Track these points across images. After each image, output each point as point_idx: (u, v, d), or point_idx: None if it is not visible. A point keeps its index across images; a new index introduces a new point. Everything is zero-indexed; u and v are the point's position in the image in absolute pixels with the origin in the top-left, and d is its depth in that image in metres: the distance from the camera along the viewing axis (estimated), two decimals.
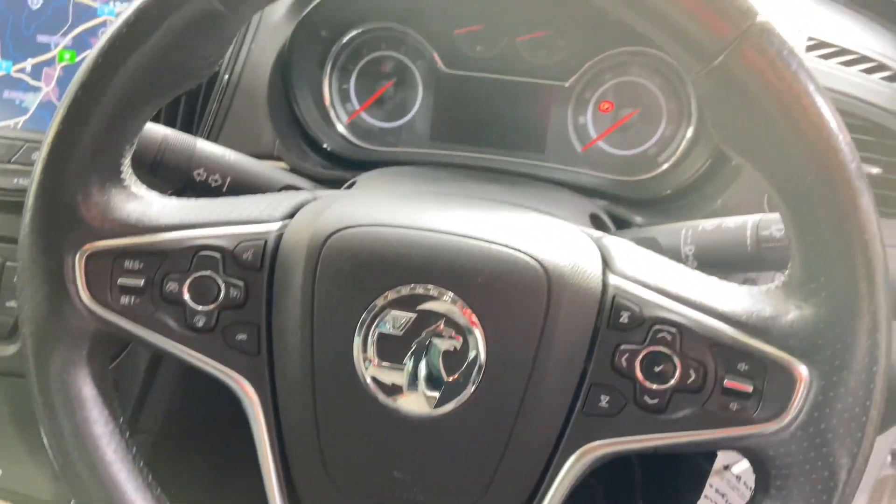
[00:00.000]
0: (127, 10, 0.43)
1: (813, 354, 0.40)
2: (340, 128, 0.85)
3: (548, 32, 0.80)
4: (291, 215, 0.49)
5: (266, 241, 0.47)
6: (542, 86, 0.81)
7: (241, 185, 0.62)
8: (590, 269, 0.45)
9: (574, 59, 0.80)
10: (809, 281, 0.40)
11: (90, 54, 0.43)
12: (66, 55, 0.78)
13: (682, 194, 0.76)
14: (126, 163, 0.47)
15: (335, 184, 0.77)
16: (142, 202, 0.48)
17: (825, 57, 0.72)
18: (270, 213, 0.49)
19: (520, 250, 0.45)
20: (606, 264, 0.46)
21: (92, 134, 0.44)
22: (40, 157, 0.45)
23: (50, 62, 0.79)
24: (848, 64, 0.71)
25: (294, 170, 0.77)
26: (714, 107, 0.41)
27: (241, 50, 0.76)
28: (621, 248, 0.48)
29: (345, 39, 0.83)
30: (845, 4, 0.82)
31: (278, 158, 0.77)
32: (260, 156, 0.76)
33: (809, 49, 0.72)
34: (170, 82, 0.45)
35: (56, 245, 0.46)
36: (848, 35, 0.75)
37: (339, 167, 0.81)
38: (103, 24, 0.78)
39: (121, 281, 0.46)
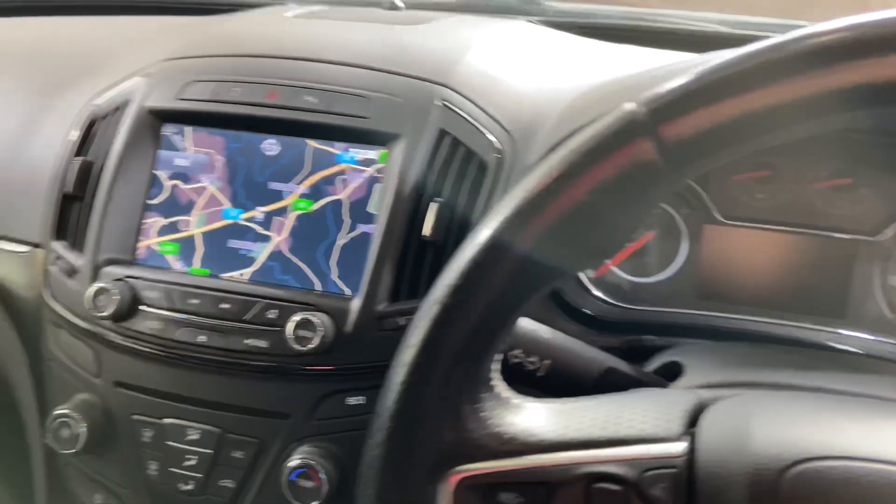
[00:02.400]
0: (534, 173, 0.33)
1: None
2: (592, 287, 0.74)
3: (851, 180, 0.68)
4: (689, 426, 0.37)
5: (677, 470, 0.34)
6: (843, 241, 0.69)
7: (559, 369, 0.51)
8: None
9: (883, 211, 0.68)
10: None
11: (474, 239, 0.34)
12: (302, 204, 0.72)
13: None
14: (498, 364, 0.36)
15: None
16: (517, 411, 0.36)
17: None
18: (665, 425, 0.37)
19: None
20: None
21: (466, 339, 0.34)
22: (400, 373, 0.34)
23: (282, 211, 0.72)
24: None
25: None
26: None
27: None
28: None
29: None
30: None
31: None
32: None
33: None
34: (571, 264, 0.34)
35: (415, 475, 0.34)
36: None
37: (597, 333, 0.69)
38: (341, 172, 0.72)
39: None
